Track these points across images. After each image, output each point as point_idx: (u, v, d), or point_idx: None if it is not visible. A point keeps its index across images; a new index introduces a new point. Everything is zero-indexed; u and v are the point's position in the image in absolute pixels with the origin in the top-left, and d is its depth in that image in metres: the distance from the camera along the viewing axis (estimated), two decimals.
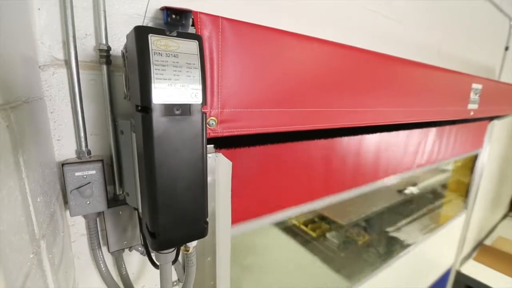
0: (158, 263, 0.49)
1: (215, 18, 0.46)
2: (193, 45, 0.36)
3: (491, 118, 1.74)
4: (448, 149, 1.42)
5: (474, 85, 1.24)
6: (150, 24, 0.52)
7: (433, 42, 1.22)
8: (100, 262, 0.54)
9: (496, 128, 1.83)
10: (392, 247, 1.73)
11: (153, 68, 0.33)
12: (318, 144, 0.79)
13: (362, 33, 0.90)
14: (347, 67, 0.69)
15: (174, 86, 0.35)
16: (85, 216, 0.52)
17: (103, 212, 0.52)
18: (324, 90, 0.65)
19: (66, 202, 0.50)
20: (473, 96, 1.25)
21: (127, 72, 0.43)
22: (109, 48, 0.49)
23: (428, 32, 1.18)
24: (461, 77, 1.16)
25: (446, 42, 1.29)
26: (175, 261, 0.49)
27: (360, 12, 0.87)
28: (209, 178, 0.58)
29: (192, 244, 0.51)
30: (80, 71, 0.47)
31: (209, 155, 0.57)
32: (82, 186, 0.47)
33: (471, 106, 1.28)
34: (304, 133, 0.73)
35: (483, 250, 2.23)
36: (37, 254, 0.34)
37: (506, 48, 1.88)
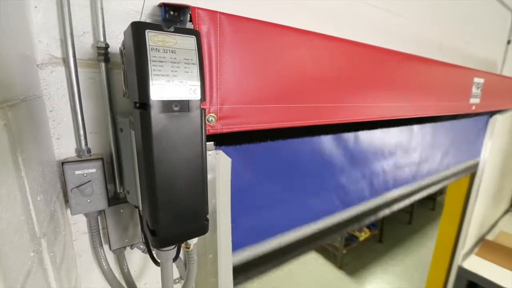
0: (159, 261, 0.49)
1: (213, 13, 0.45)
2: (191, 40, 0.36)
3: (493, 113, 1.73)
4: None
5: (476, 79, 1.23)
6: (148, 21, 0.52)
7: (434, 36, 1.21)
8: (102, 260, 0.54)
9: (498, 123, 1.82)
10: None
11: (150, 64, 0.33)
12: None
13: (362, 27, 0.89)
14: (347, 62, 0.69)
15: (172, 82, 0.35)
16: (86, 215, 0.52)
17: (104, 210, 0.52)
18: (324, 86, 0.65)
19: (66, 200, 0.51)
20: (475, 90, 1.24)
21: (125, 69, 0.43)
22: (107, 46, 0.48)
23: (429, 26, 1.17)
24: (462, 71, 1.15)
25: (447, 36, 1.28)
26: (176, 258, 0.49)
27: (360, 6, 0.87)
28: (209, 175, 0.58)
29: (193, 241, 0.51)
30: (79, 69, 0.47)
31: (209, 152, 0.57)
32: (83, 184, 0.47)
33: (473, 101, 1.27)
34: (305, 129, 0.73)
35: (485, 246, 2.22)
36: (38, 252, 0.34)
37: (508, 42, 1.87)
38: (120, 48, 0.44)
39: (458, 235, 1.99)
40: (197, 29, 0.44)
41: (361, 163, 0.94)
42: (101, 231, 0.54)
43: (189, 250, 0.53)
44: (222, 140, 0.59)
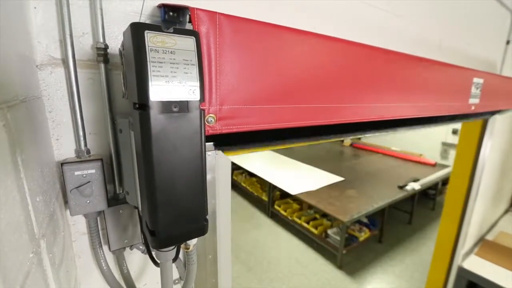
0: (158, 261, 0.49)
1: (212, 14, 0.45)
2: (190, 41, 0.36)
3: (492, 113, 1.73)
4: None
5: (475, 79, 1.23)
6: (147, 22, 0.52)
7: (434, 37, 1.21)
8: (101, 261, 0.54)
9: (498, 123, 1.82)
10: None
11: (149, 65, 0.33)
12: None
13: (361, 27, 0.90)
14: (347, 63, 0.69)
15: (171, 83, 0.35)
16: (85, 215, 0.52)
17: (103, 211, 0.52)
18: (325, 86, 0.65)
19: (66, 201, 0.51)
20: (474, 90, 1.24)
21: (124, 70, 0.43)
22: (106, 47, 0.48)
23: (429, 26, 1.17)
24: (462, 71, 1.15)
25: (447, 36, 1.28)
26: (175, 259, 0.49)
27: (360, 6, 0.87)
28: (209, 176, 0.58)
29: (192, 242, 0.51)
30: (78, 70, 0.47)
31: (208, 152, 0.57)
32: (82, 185, 0.47)
33: (472, 101, 1.27)
34: (305, 129, 0.73)
35: (485, 246, 2.22)
36: (37, 253, 0.34)
37: (508, 42, 1.87)
38: (119, 49, 0.44)
39: (458, 235, 1.99)
40: (196, 30, 0.44)
41: None
42: (100, 232, 0.54)
43: (189, 250, 0.53)
44: (221, 140, 0.59)
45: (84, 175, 0.47)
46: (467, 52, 1.46)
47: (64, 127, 0.49)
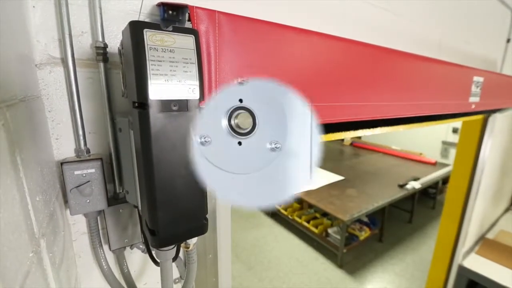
0: (158, 261, 0.49)
1: (211, 13, 0.45)
2: (189, 40, 0.36)
3: (492, 111, 1.73)
4: None
5: (476, 78, 1.23)
6: (147, 21, 0.52)
7: (434, 36, 1.21)
8: (102, 260, 0.54)
9: (498, 121, 1.82)
10: None
11: (149, 64, 0.33)
12: None
13: (361, 27, 0.89)
14: (347, 61, 0.68)
15: (170, 82, 0.34)
16: (85, 215, 0.52)
17: (103, 210, 0.52)
18: (324, 85, 0.65)
19: (66, 201, 0.50)
20: (474, 89, 1.24)
21: (124, 69, 0.43)
22: (105, 46, 0.48)
23: (429, 25, 1.17)
24: (462, 70, 1.15)
25: (447, 35, 1.28)
26: (175, 258, 0.49)
27: (360, 5, 0.86)
28: None
29: (193, 241, 0.51)
30: (77, 69, 0.47)
31: None
32: (82, 184, 0.47)
33: (472, 99, 1.26)
34: None
35: (485, 244, 2.22)
36: (37, 253, 0.34)
37: (508, 40, 1.86)
38: (118, 47, 0.44)
39: (458, 233, 1.99)
40: (195, 28, 0.44)
41: None
42: (100, 231, 0.54)
43: (189, 250, 0.53)
44: None
45: (84, 175, 0.47)
46: (467, 50, 1.45)
47: (64, 126, 0.49)
